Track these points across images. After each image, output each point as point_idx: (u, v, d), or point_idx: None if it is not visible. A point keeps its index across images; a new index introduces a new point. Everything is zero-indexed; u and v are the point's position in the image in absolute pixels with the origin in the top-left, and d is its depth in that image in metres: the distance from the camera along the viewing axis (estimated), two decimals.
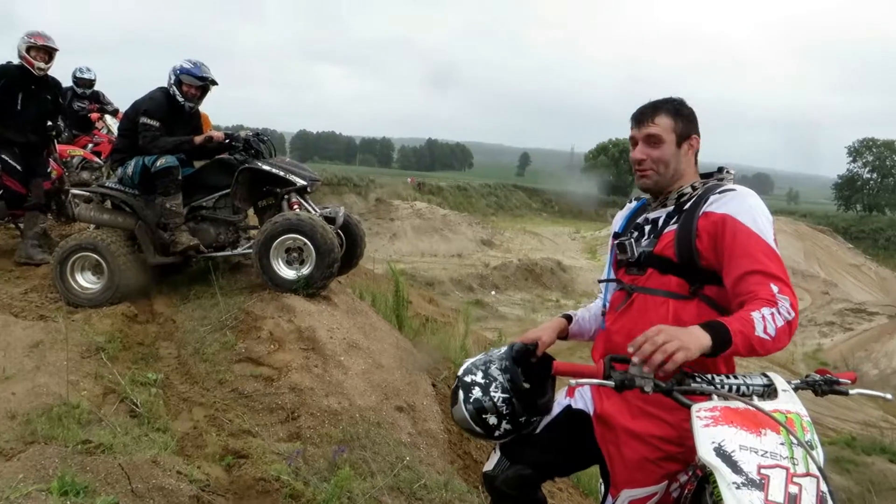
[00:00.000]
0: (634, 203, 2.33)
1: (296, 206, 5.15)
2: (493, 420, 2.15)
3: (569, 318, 2.42)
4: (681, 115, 2.15)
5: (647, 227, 2.17)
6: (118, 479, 2.61)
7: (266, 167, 5.15)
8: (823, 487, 1.51)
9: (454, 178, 76.30)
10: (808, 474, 1.52)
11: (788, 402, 1.65)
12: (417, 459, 3.67)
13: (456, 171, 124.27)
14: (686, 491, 1.82)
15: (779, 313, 1.78)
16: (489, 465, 2.32)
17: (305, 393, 3.87)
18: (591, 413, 2.18)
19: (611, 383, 1.71)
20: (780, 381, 1.72)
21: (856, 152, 60.39)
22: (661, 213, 2.15)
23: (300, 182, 5.17)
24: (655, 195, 2.21)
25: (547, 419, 2.26)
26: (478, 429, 2.19)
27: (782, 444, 1.56)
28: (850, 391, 1.80)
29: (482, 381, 2.18)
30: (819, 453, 1.57)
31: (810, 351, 25.79)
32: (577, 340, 2.47)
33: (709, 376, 1.75)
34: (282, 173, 5.15)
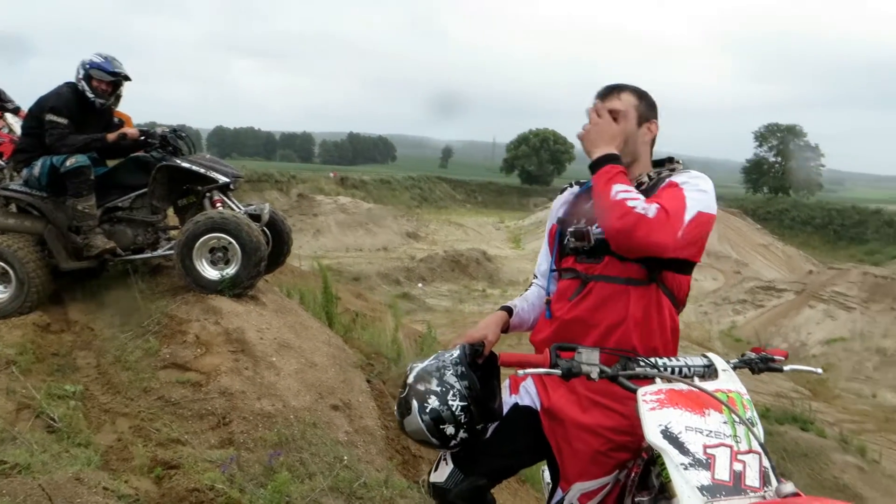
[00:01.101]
0: (576, 188, 2.29)
1: (218, 204, 4.98)
2: (450, 430, 2.04)
3: (509, 310, 2.37)
4: (644, 98, 2.17)
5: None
6: (39, 500, 2.44)
7: (185, 164, 4.94)
8: (765, 463, 1.54)
9: (377, 171, 75.91)
10: (750, 451, 1.55)
11: (729, 381, 1.68)
12: (356, 458, 3.61)
13: (379, 164, 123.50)
14: (633, 475, 1.83)
15: (638, 203, 1.87)
16: (440, 477, 2.18)
17: (236, 397, 3.75)
18: (538, 408, 2.15)
19: (557, 372, 1.70)
20: (719, 362, 1.75)
21: (762, 137, 63.22)
22: None
23: (222, 179, 4.99)
24: None
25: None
26: (433, 440, 2.06)
27: (725, 422, 1.58)
28: (784, 367, 1.85)
29: (438, 389, 2.06)
30: (759, 430, 1.61)
31: (725, 328, 26.94)
32: (517, 332, 2.43)
33: (652, 360, 1.76)
34: (202, 170, 4.95)
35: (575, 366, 1.69)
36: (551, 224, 2.28)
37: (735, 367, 1.78)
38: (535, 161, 71.35)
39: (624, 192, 1.90)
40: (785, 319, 26.70)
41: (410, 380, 2.12)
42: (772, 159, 61.95)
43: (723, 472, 1.51)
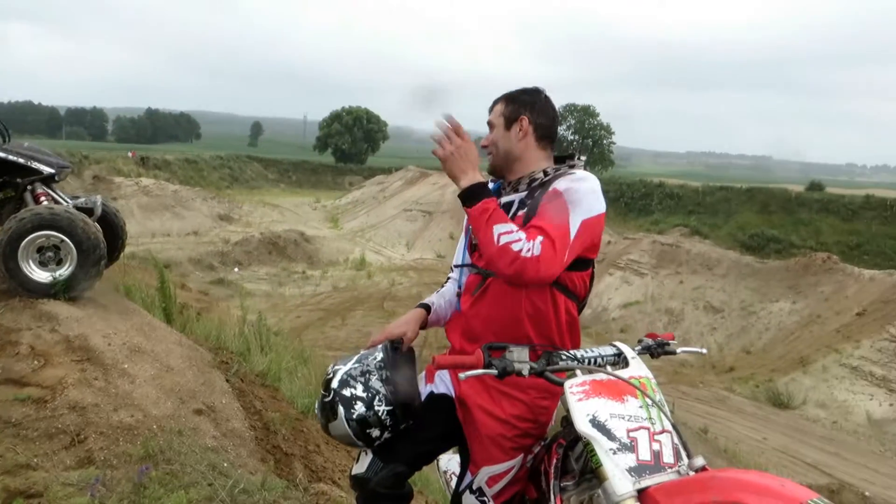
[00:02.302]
0: (491, 185, 2.40)
1: (43, 198, 4.51)
2: (376, 433, 2.10)
3: (426, 307, 2.44)
4: (514, 100, 2.27)
5: None
6: None
7: (1, 154, 4.41)
8: (676, 440, 1.74)
9: (181, 150, 71.45)
10: (664, 431, 1.74)
11: (639, 368, 1.87)
12: (228, 463, 3.49)
13: (182, 142, 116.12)
14: (555, 461, 1.96)
15: (522, 244, 1.96)
16: (360, 468, 2.23)
17: (89, 410, 3.46)
18: (453, 395, 2.25)
19: (493, 371, 1.80)
20: (627, 350, 1.93)
21: (560, 116, 67.43)
22: (514, 198, 2.25)
23: (46, 170, 4.53)
24: (501, 177, 2.33)
25: None
26: (359, 443, 2.12)
27: (641, 407, 1.76)
28: (677, 350, 2.08)
29: (364, 395, 2.10)
30: (668, 410, 1.81)
31: None
32: (435, 327, 2.50)
33: (572, 353, 1.90)
34: (22, 160, 4.46)
35: (509, 364, 1.80)
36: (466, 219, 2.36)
37: (639, 354, 1.98)
38: (349, 139, 71.00)
39: (506, 234, 1.99)
40: None
41: (335, 385, 2.13)
42: (570, 137, 66.44)
43: (645, 453, 1.68)
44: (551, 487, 1.88)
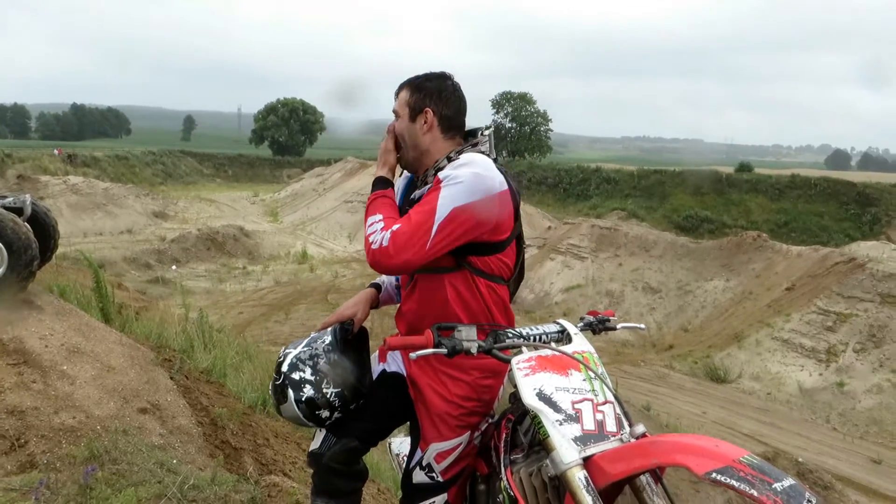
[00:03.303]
0: (403, 180, 2.43)
1: None
2: (325, 414, 2.16)
3: (377, 287, 2.47)
4: (419, 89, 2.26)
5: (409, 208, 2.24)
6: None
7: None
8: (619, 410, 1.82)
9: (111, 146, 69.08)
10: (606, 402, 1.82)
11: (581, 343, 1.94)
12: (177, 460, 3.45)
13: (112, 138, 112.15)
14: (504, 436, 2.03)
15: (375, 235, 2.10)
16: (315, 444, 2.30)
17: (28, 414, 3.37)
18: (405, 373, 2.30)
19: (443, 351, 1.85)
20: (570, 327, 2.00)
21: (498, 104, 68.01)
22: (424, 191, 2.24)
23: None
24: (412, 171, 2.35)
25: None
26: (309, 423, 2.18)
27: (584, 380, 1.84)
28: (617, 326, 2.16)
29: (312, 379, 2.16)
30: (609, 382, 1.89)
31: None
32: (388, 306, 2.53)
33: (517, 330, 1.97)
34: None
35: (458, 343, 1.85)
36: None
37: (582, 330, 2.05)
38: (286, 132, 69.96)
39: (370, 224, 2.14)
40: (531, 272, 29.29)
41: (285, 368, 2.19)
42: (508, 125, 66.92)
43: (589, 423, 1.76)
44: (501, 461, 1.94)
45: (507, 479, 1.85)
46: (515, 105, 67.32)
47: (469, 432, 2.26)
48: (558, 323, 2.03)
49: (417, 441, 2.30)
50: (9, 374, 3.59)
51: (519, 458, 1.93)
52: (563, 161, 68.32)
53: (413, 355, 1.87)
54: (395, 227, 2.04)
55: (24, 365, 3.68)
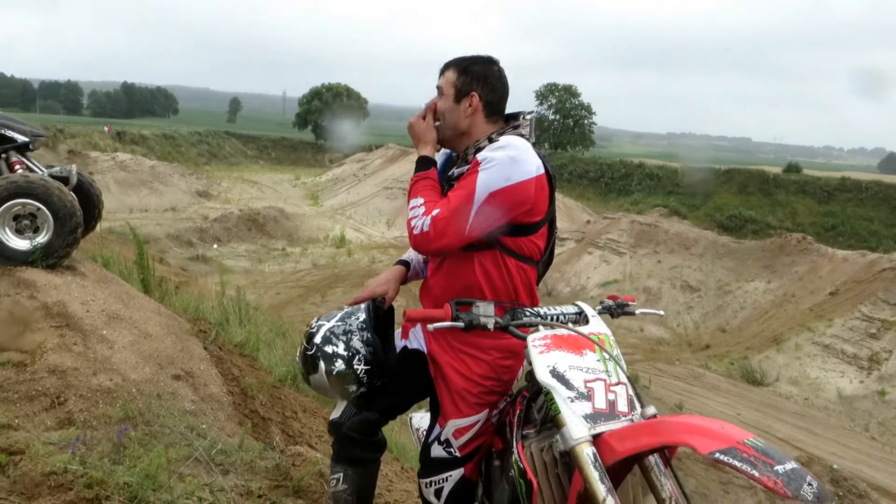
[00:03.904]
0: (442, 156, 2.46)
1: (17, 167, 4.51)
2: (353, 388, 2.24)
3: (405, 264, 2.53)
4: (467, 72, 2.29)
5: (448, 186, 2.31)
6: None
7: None
8: (631, 392, 1.85)
9: (158, 125, 70.46)
10: (619, 383, 1.85)
11: (598, 325, 1.97)
12: (207, 426, 3.57)
13: (159, 117, 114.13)
14: (518, 411, 2.07)
15: (417, 220, 2.17)
16: (336, 413, 2.39)
17: (69, 374, 3.51)
18: (425, 350, 2.35)
19: (460, 324, 1.89)
20: (588, 309, 2.03)
21: (542, 96, 67.48)
22: (463, 170, 2.30)
23: (20, 138, 4.53)
24: (449, 148, 2.39)
25: None
26: (336, 396, 2.26)
27: (598, 360, 1.86)
28: (636, 311, 2.18)
29: (345, 354, 2.23)
30: (624, 365, 1.91)
31: None
32: (415, 281, 2.59)
33: (535, 310, 2.00)
34: None
35: (474, 318, 1.90)
36: None
37: (600, 314, 2.08)
38: (329, 116, 70.41)
39: (413, 208, 2.20)
40: (567, 266, 29.18)
41: (318, 340, 2.25)
42: (551, 117, 66.40)
43: (601, 402, 1.79)
44: (514, 436, 1.98)
45: (518, 453, 1.89)
46: (560, 97, 66.72)
47: (487, 410, 2.30)
48: (577, 305, 2.06)
49: (437, 417, 2.35)
50: (52, 336, 3.74)
51: (531, 434, 1.96)
52: (606, 155, 67.54)
53: (430, 327, 1.92)
54: (435, 211, 2.11)
55: (66, 328, 3.83)
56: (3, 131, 4.50)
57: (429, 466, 2.35)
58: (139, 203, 36.88)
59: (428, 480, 2.34)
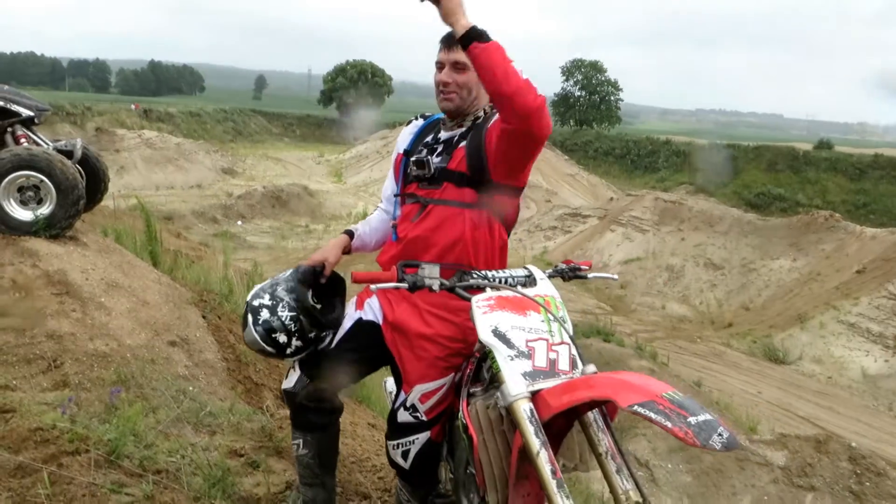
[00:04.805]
0: (421, 121, 2.50)
1: (23, 140, 4.63)
2: (282, 339, 2.28)
3: (350, 234, 2.57)
4: None
5: (440, 147, 2.36)
6: None
7: None
8: (573, 352, 1.88)
9: (185, 103, 71.04)
10: (562, 343, 1.88)
11: (545, 288, 2.00)
12: (199, 390, 3.67)
13: (186, 95, 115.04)
14: (468, 371, 2.12)
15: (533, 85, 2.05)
16: (289, 383, 2.43)
17: (66, 339, 3.63)
18: (381, 322, 2.39)
19: (404, 285, 1.94)
20: (537, 272, 2.06)
21: (568, 72, 66.79)
22: (455, 133, 2.36)
23: (26, 112, 4.64)
24: (454, 117, 2.41)
25: (340, 334, 2.42)
26: (269, 348, 2.31)
27: (542, 321, 1.90)
28: (588, 275, 2.21)
29: (269, 303, 2.29)
30: (569, 326, 1.94)
31: (538, 253, 28.86)
32: (359, 253, 2.64)
33: (482, 272, 2.04)
34: (1, 103, 4.57)
35: (419, 279, 1.94)
36: (397, 154, 2.49)
37: (550, 277, 2.11)
38: (354, 94, 70.41)
39: (516, 73, 2.04)
40: (590, 243, 29.05)
41: (249, 297, 2.34)
42: (577, 94, 65.74)
43: (541, 360, 1.83)
44: (461, 394, 2.03)
45: (463, 409, 1.94)
46: (586, 73, 65.98)
47: (452, 374, 2.35)
48: (526, 268, 2.09)
49: (401, 384, 2.41)
50: (51, 302, 3.86)
51: (478, 392, 2.01)
52: (633, 132, 66.81)
53: (374, 287, 1.96)
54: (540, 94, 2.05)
55: (65, 295, 3.95)
56: (8, 105, 4.61)
57: (396, 430, 2.40)
58: (165, 180, 37.38)
59: (395, 443, 2.39)
